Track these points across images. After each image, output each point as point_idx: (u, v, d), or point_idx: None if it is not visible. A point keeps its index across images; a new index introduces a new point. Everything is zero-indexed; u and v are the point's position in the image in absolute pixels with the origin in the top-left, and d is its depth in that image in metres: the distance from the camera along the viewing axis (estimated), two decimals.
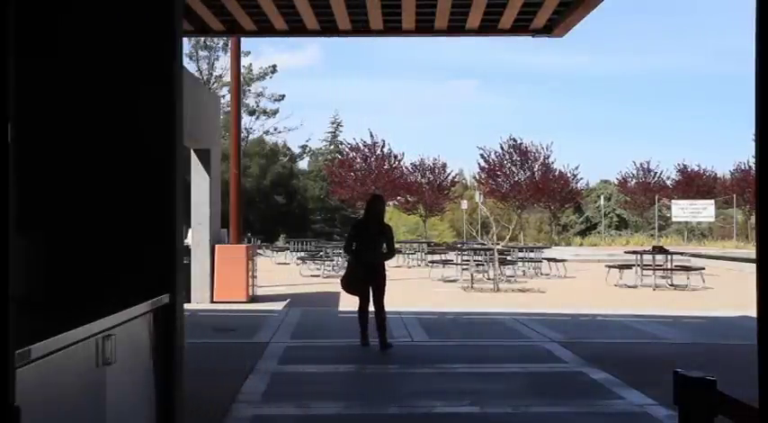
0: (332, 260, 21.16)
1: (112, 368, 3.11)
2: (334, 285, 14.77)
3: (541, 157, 42.36)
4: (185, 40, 13.27)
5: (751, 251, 27.64)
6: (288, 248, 29.07)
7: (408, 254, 25.85)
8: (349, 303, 10.09)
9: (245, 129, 48.59)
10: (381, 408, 6.02)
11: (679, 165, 48.10)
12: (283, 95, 51.36)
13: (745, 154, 47.47)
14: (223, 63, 47.01)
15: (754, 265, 1.90)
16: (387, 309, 8.65)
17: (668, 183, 47.89)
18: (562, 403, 6.22)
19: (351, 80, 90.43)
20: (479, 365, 7.79)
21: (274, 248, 31.64)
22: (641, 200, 47.28)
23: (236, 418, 5.66)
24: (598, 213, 51.15)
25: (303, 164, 56.38)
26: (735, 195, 43.73)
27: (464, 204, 43.05)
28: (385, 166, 41.87)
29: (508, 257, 19.69)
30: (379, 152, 42.10)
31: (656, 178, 47.94)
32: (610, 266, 17.99)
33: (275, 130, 51.72)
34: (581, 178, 45.50)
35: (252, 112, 50.52)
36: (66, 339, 2.66)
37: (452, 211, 47.50)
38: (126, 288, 3.82)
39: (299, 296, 14.74)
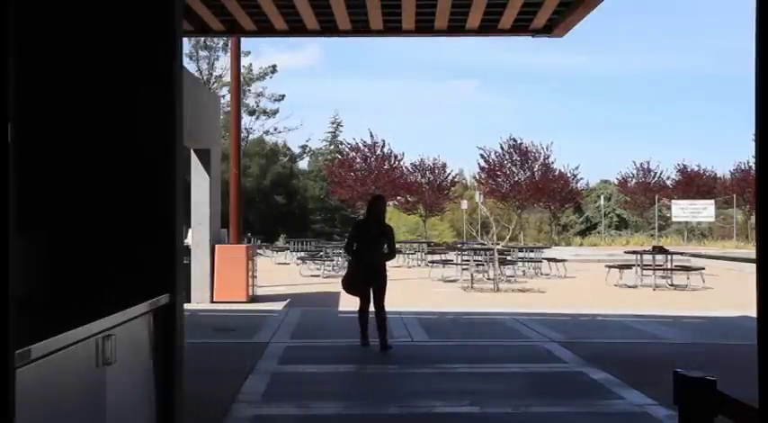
0: (332, 260, 21.17)
1: (112, 368, 3.11)
2: (334, 285, 14.78)
3: (541, 157, 42.38)
4: (185, 40, 13.27)
5: (751, 251, 27.64)
6: (288, 248, 29.08)
7: (408, 254, 25.85)
8: (349, 303, 10.09)
9: (245, 129, 48.61)
10: (381, 408, 6.02)
11: (679, 165, 48.20)
12: (283, 95, 51.44)
13: (745, 154, 47.53)
14: (223, 63, 47.10)
15: (754, 265, 1.90)
16: (387, 309, 8.65)
17: (668, 183, 47.91)
18: (562, 403, 6.22)
19: (351, 80, 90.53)
20: (479, 365, 7.79)
21: (274, 248, 31.64)
22: (641, 200, 47.29)
23: (236, 418, 5.66)
24: (598, 213, 51.15)
25: (303, 164, 56.47)
26: (735, 195, 43.73)
27: (464, 204, 43.05)
28: (385, 166, 41.87)
29: (508, 257, 19.69)
30: (379, 152, 42.11)
31: (656, 178, 47.95)
32: (610, 266, 17.99)
33: (275, 130, 51.80)
34: (581, 178, 45.60)
35: (252, 112, 50.52)
36: (66, 339, 2.66)
37: (452, 211, 47.50)
38: (126, 288, 3.83)
39: (299, 296, 14.74)
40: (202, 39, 44.48)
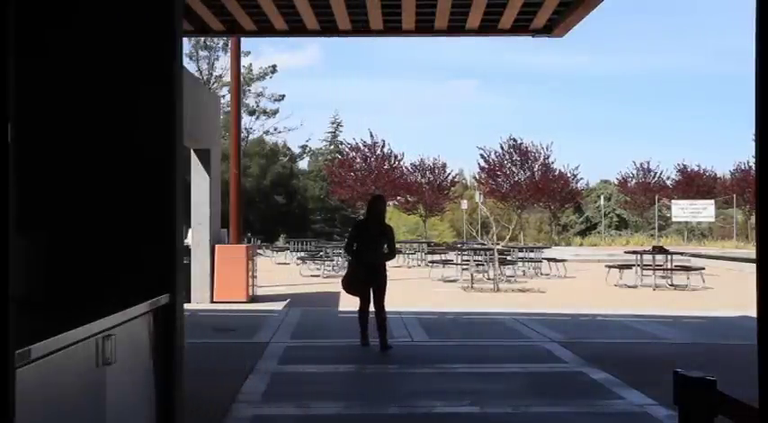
0: (332, 260, 21.17)
1: (112, 368, 3.11)
2: (334, 285, 14.77)
3: (541, 157, 42.38)
4: (185, 40, 13.27)
5: (751, 251, 27.64)
6: (288, 248, 29.08)
7: (408, 254, 25.85)
8: (349, 303, 10.09)
9: (245, 129, 48.61)
10: (381, 408, 6.02)
11: (679, 165, 48.20)
12: (283, 95, 51.44)
13: (745, 154, 47.54)
14: (223, 63, 47.10)
15: (754, 265, 1.90)
16: (387, 309, 8.65)
17: (668, 183, 47.91)
18: (562, 403, 6.22)
19: (351, 80, 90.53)
20: (479, 365, 7.79)
21: (274, 248, 31.65)
22: (641, 200, 47.30)
23: (236, 418, 5.66)
24: (598, 213, 51.15)
25: (303, 164, 56.47)
26: (735, 195, 43.73)
27: (464, 204, 43.05)
28: (385, 166, 41.86)
29: (508, 257, 19.69)
30: (379, 152, 42.11)
31: (656, 178, 47.96)
32: (610, 266, 17.99)
33: (275, 130, 51.80)
34: (581, 178, 45.60)
35: (252, 112, 50.52)
36: (66, 339, 2.66)
37: (452, 211, 47.50)
38: (126, 288, 3.83)
39: (299, 296, 14.74)
40: (202, 39, 44.48)
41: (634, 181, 48.30)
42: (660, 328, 10.62)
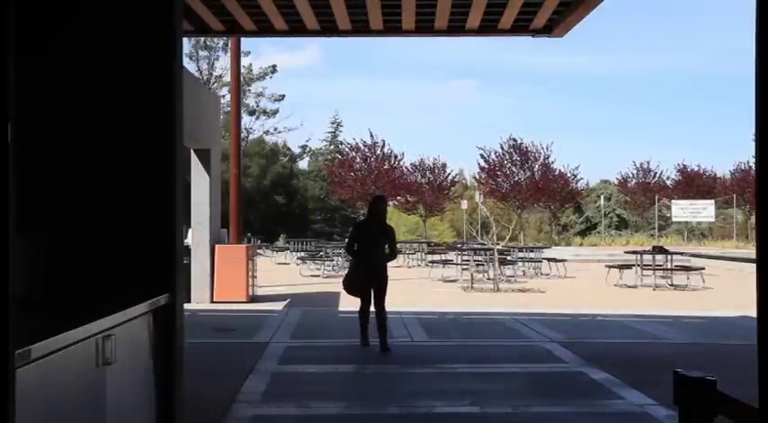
0: (332, 260, 21.18)
1: (112, 368, 3.11)
2: (334, 285, 14.76)
3: (541, 157, 42.38)
4: (185, 40, 13.27)
5: (751, 251, 27.64)
6: (288, 248, 29.08)
7: (408, 254, 25.85)
8: (349, 303, 10.09)
9: (245, 129, 48.60)
10: (381, 408, 6.02)
11: (679, 165, 48.20)
12: (283, 95, 51.44)
13: (745, 154, 47.57)
14: (223, 63, 47.10)
15: (754, 265, 1.90)
16: (387, 309, 8.64)
17: (668, 183, 47.91)
18: (562, 403, 6.22)
19: (351, 80, 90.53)
20: (479, 365, 7.79)
21: (274, 248, 31.64)
22: (641, 200, 47.30)
23: (236, 418, 5.66)
24: (598, 213, 51.15)
25: (303, 164, 56.47)
26: (735, 195, 43.73)
27: (464, 204, 43.05)
28: (385, 166, 41.87)
29: (508, 257, 19.69)
30: (379, 152, 42.11)
31: (656, 178, 47.96)
32: (610, 266, 17.99)
33: (275, 130, 51.80)
34: (581, 178, 45.59)
35: (252, 112, 50.52)
36: (66, 339, 2.66)
37: (452, 211, 47.50)
38: (126, 288, 3.83)
39: (299, 296, 14.74)
40: (202, 39, 44.48)
41: (634, 181, 48.31)
42: (660, 328, 10.62)
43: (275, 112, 51.48)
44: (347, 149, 44.49)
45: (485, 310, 12.24)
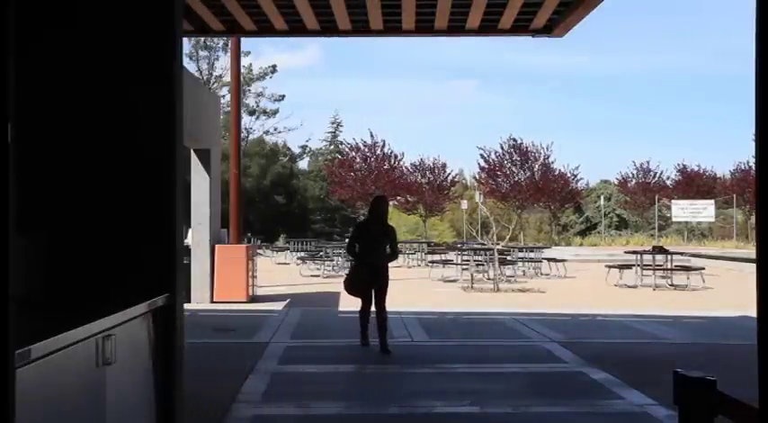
0: (332, 260, 21.18)
1: (112, 368, 3.11)
2: (334, 285, 14.76)
3: (541, 157, 42.38)
4: (185, 40, 13.27)
5: (751, 251, 27.64)
6: (288, 248, 29.08)
7: (408, 254, 25.85)
8: (349, 303, 10.10)
9: (245, 129, 48.61)
10: (381, 408, 6.02)
11: (679, 165, 48.21)
12: (283, 95, 51.44)
13: (745, 154, 47.58)
14: (223, 63, 47.09)
15: (754, 265, 1.90)
16: (387, 309, 8.64)
17: (668, 183, 47.91)
18: (562, 403, 6.22)
19: (351, 80, 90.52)
20: (479, 365, 7.79)
21: (274, 248, 31.65)
22: (641, 200, 47.30)
23: (236, 418, 5.67)
24: (598, 213, 51.15)
25: (303, 164, 56.47)
26: (735, 195, 43.74)
27: (464, 204, 43.05)
28: (385, 166, 41.87)
29: (508, 257, 19.69)
30: (379, 152, 42.12)
31: (656, 178, 47.96)
32: (610, 266, 17.99)
33: (275, 130, 51.80)
34: (581, 178, 45.61)
35: (252, 112, 50.52)
36: (66, 339, 2.66)
37: (452, 211, 47.50)
38: (126, 288, 3.83)
39: (299, 296, 14.74)
40: (202, 39, 44.48)
41: (634, 181, 48.31)
42: (660, 328, 10.62)
43: (275, 112, 51.54)
44: (347, 149, 44.49)
45: (485, 310, 12.24)
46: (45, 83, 3.96)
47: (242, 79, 31.24)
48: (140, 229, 4.00)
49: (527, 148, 42.40)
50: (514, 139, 42.40)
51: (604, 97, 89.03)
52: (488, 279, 17.38)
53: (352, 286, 8.64)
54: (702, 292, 16.16)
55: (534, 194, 41.87)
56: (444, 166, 42.96)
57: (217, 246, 13.31)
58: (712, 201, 40.94)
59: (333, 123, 57.36)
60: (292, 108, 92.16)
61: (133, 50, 4.07)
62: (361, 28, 8.04)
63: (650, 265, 17.43)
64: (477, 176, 44.80)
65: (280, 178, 47.19)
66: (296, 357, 8.17)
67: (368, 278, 8.47)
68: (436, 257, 22.40)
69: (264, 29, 8.22)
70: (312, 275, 19.70)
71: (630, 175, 48.39)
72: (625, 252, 21.68)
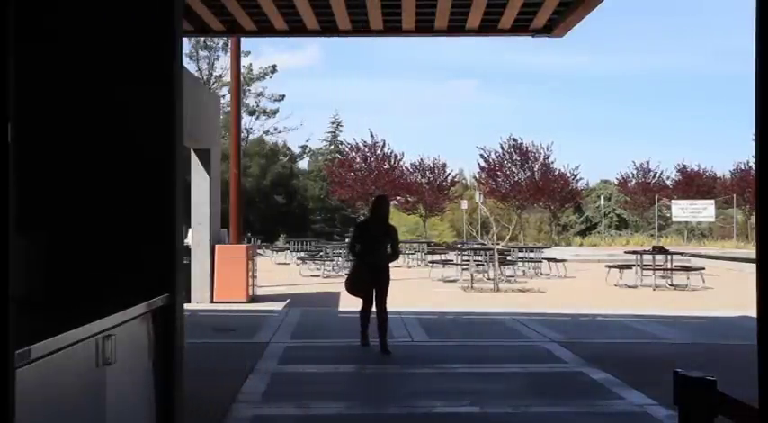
0: (332, 260, 21.17)
1: (112, 368, 3.11)
2: (334, 285, 14.77)
3: (541, 158, 42.39)
4: (185, 40, 13.27)
5: (751, 251, 27.63)
6: (288, 248, 29.08)
7: (408, 254, 25.85)
8: (349, 303, 10.10)
9: (245, 129, 48.60)
10: (381, 408, 6.02)
11: (679, 165, 48.21)
12: (283, 95, 51.43)
13: (745, 154, 47.57)
14: (223, 63, 47.09)
15: (754, 265, 1.90)
16: (387, 309, 8.63)
17: (668, 183, 47.91)
18: (562, 403, 6.22)
19: (351, 80, 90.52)
20: (479, 365, 7.79)
21: (274, 248, 31.65)
22: (641, 200, 47.30)
23: (236, 418, 5.67)
24: (598, 213, 51.15)
25: (303, 164, 56.47)
26: (735, 195, 43.73)
27: (464, 204, 43.06)
28: (385, 166, 41.88)
29: (508, 257, 19.69)
30: (379, 152, 42.12)
31: (655, 178, 47.96)
32: (610, 266, 17.99)
33: (275, 130, 51.79)
34: (581, 178, 45.62)
35: (252, 112, 50.52)
36: (66, 339, 2.66)
37: (452, 211, 47.50)
38: (126, 288, 3.83)
39: (299, 296, 14.74)
40: (202, 39, 44.47)
41: (634, 181, 48.31)
42: (660, 328, 10.62)
43: (275, 112, 51.53)
44: (347, 149, 44.50)
45: (485, 310, 12.24)
46: (45, 83, 3.96)
47: (242, 79, 31.25)
48: (140, 229, 4.00)
49: (527, 148, 42.42)
50: (514, 139, 42.47)
51: (604, 97, 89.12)
52: (488, 279, 17.38)
53: (353, 286, 8.62)
54: (702, 292, 16.16)
55: (534, 194, 41.88)
56: (444, 166, 43.04)
57: (217, 246, 13.31)
58: (712, 201, 40.94)
59: (333, 123, 57.43)
60: (292, 108, 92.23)
61: (133, 50, 4.07)
62: (361, 28, 8.04)
63: (650, 265, 17.43)
64: (477, 176, 44.83)
65: (280, 178, 47.19)
66: (296, 357, 8.17)
67: (369, 278, 8.46)
68: (436, 257, 22.40)
69: (264, 29, 8.22)
70: (312, 275, 19.70)
71: (630, 175, 48.44)
72: (625, 252, 21.68)
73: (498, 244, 17.70)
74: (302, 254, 24.70)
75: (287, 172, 48.86)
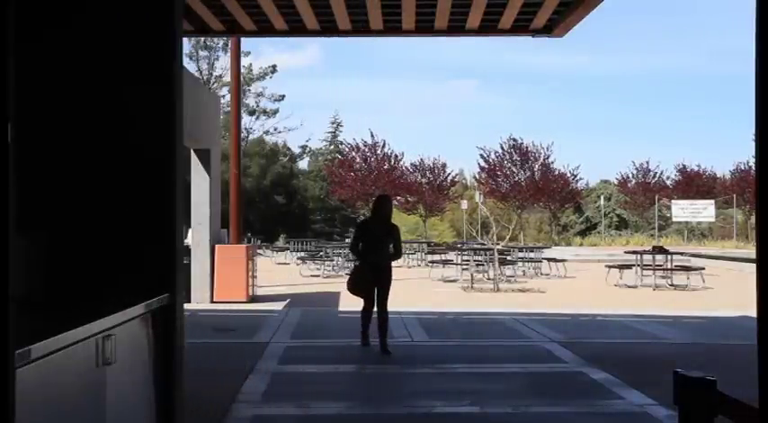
0: (332, 260, 21.17)
1: (112, 368, 3.11)
2: (335, 285, 14.78)
3: (541, 158, 42.39)
4: (185, 40, 13.27)
5: (751, 251, 27.63)
6: (288, 248, 29.08)
7: (408, 254, 25.84)
8: (349, 303, 10.10)
9: (245, 129, 48.60)
10: (381, 408, 6.02)
11: (679, 165, 48.21)
12: (283, 95, 51.43)
13: (745, 154, 47.60)
14: (223, 63, 47.09)
15: (754, 265, 1.90)
16: (387, 309, 8.63)
17: (668, 183, 47.91)
18: (562, 403, 6.22)
19: (351, 80, 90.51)
20: (479, 365, 7.79)
21: (274, 248, 31.65)
22: (641, 200, 47.29)
23: (236, 418, 5.67)
24: (598, 213, 51.15)
25: (303, 164, 56.47)
26: (735, 195, 43.73)
27: (464, 204, 43.06)
28: (385, 166, 41.87)
29: (508, 257, 19.69)
30: (379, 152, 42.12)
31: (655, 178, 47.96)
32: (610, 266, 17.99)
33: (275, 130, 51.79)
34: (581, 178, 45.62)
35: (252, 112, 50.52)
36: (66, 339, 2.65)
37: (452, 211, 47.50)
38: (126, 288, 3.82)
39: (299, 296, 14.74)
40: (202, 39, 44.47)
41: (634, 181, 48.31)
42: (660, 328, 10.62)
43: (275, 112, 51.53)
44: (347, 149, 44.50)
45: (485, 310, 12.24)
46: (45, 83, 3.96)
47: (242, 79, 31.24)
48: (140, 229, 4.00)
49: (527, 148, 42.41)
50: (514, 139, 42.47)
51: (604, 97, 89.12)
52: (488, 279, 17.38)
53: (355, 286, 8.60)
54: (702, 292, 16.16)
55: (534, 194, 41.88)
56: (444, 166, 43.03)
57: (217, 246, 13.31)
58: (712, 201, 40.94)
59: (333, 123, 57.43)
60: (292, 108, 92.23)
61: (133, 50, 4.07)
62: (361, 28, 8.04)
63: (650, 265, 17.43)
64: (477, 176, 44.83)
65: (280, 178, 47.19)
66: (296, 357, 8.17)
67: (372, 277, 8.45)
68: (436, 257, 22.40)
69: (264, 29, 8.22)
70: (312, 275, 19.70)
71: (630, 175, 48.43)
72: (625, 252, 21.68)
73: (498, 244, 17.70)
74: (302, 254, 24.70)
75: (287, 172, 48.86)
